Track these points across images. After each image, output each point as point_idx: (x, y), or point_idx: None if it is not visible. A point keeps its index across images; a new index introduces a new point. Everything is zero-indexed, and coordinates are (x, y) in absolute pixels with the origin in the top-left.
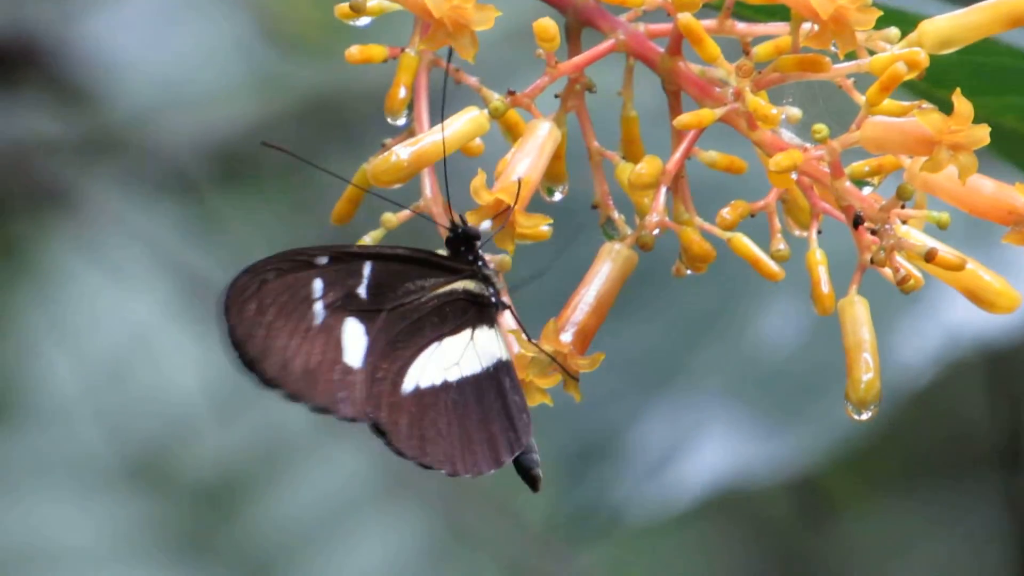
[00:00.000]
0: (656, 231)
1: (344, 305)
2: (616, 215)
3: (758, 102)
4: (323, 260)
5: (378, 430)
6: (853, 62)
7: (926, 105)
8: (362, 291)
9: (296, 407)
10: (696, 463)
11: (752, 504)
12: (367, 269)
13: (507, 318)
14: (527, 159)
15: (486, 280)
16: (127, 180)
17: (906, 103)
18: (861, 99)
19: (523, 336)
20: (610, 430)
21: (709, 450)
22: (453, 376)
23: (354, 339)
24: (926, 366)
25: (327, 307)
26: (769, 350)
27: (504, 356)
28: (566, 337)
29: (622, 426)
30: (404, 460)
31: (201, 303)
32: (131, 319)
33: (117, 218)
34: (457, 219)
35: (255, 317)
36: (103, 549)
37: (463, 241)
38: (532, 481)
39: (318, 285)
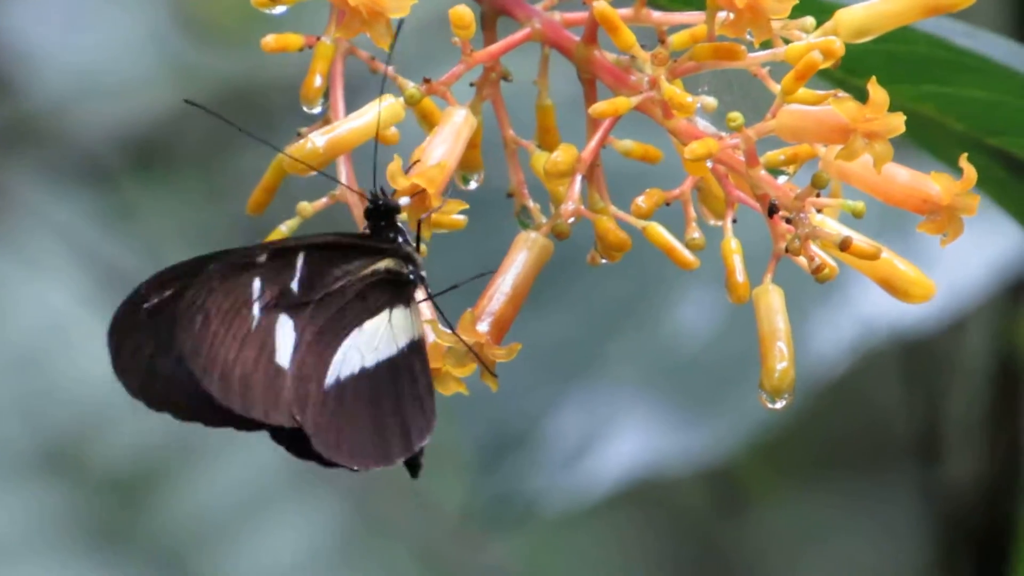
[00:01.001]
0: (571, 220)
1: (278, 303)
2: (531, 204)
3: (673, 90)
4: (262, 258)
5: (277, 438)
6: (769, 51)
7: (841, 94)
8: (295, 285)
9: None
10: (612, 453)
11: (667, 494)
12: (300, 261)
13: (424, 306)
14: (443, 146)
15: (406, 258)
16: (43, 170)
17: (822, 92)
18: (776, 88)
19: (440, 326)
20: (526, 419)
21: (625, 440)
22: (370, 361)
23: (284, 338)
24: (841, 356)
25: (263, 308)
26: (684, 340)
27: (417, 336)
28: (482, 327)
29: (538, 415)
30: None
31: (116, 293)
32: (46, 309)
33: (32, 208)
34: (377, 191)
35: (200, 331)
36: (15, 539)
37: (383, 215)
38: (414, 468)
39: (257, 285)
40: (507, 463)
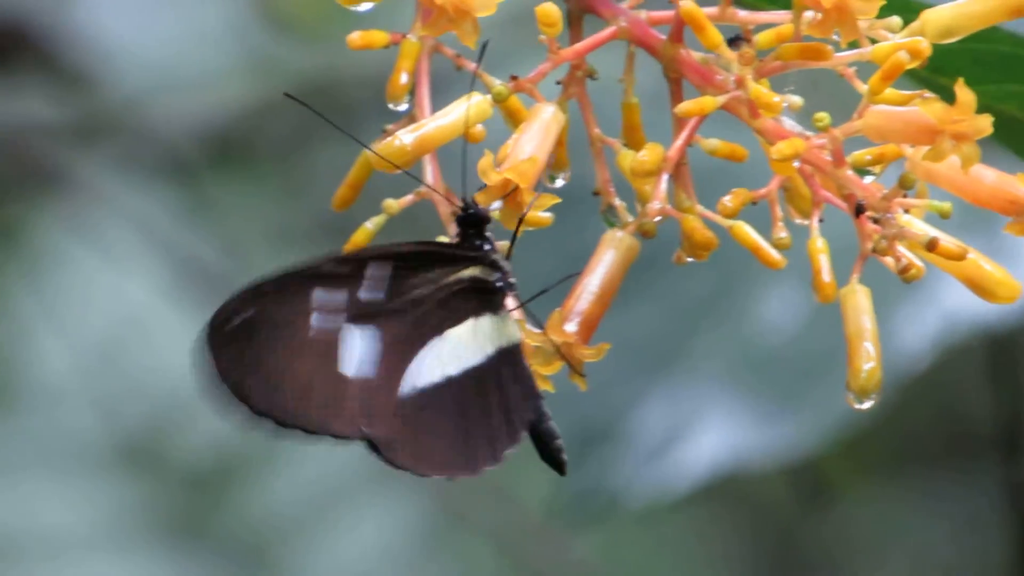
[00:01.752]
0: (657, 218)
1: (351, 313)
2: (617, 202)
3: (760, 90)
4: (328, 268)
5: (371, 445)
6: (855, 51)
7: (928, 94)
8: (363, 294)
9: None
10: (695, 448)
11: (750, 489)
12: (375, 271)
13: (510, 305)
14: (532, 141)
15: (493, 265)
16: (122, 163)
17: (908, 92)
18: (863, 88)
19: (529, 326)
20: (610, 415)
21: (708, 435)
22: (453, 370)
23: (352, 348)
24: (925, 352)
25: (325, 317)
26: (768, 335)
27: (506, 344)
28: (570, 327)
29: (622, 411)
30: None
31: (195, 286)
32: (125, 301)
33: (111, 201)
34: (468, 200)
35: (259, 340)
36: (96, 533)
37: (472, 223)
38: (559, 466)
39: (318, 295)
40: (591, 458)
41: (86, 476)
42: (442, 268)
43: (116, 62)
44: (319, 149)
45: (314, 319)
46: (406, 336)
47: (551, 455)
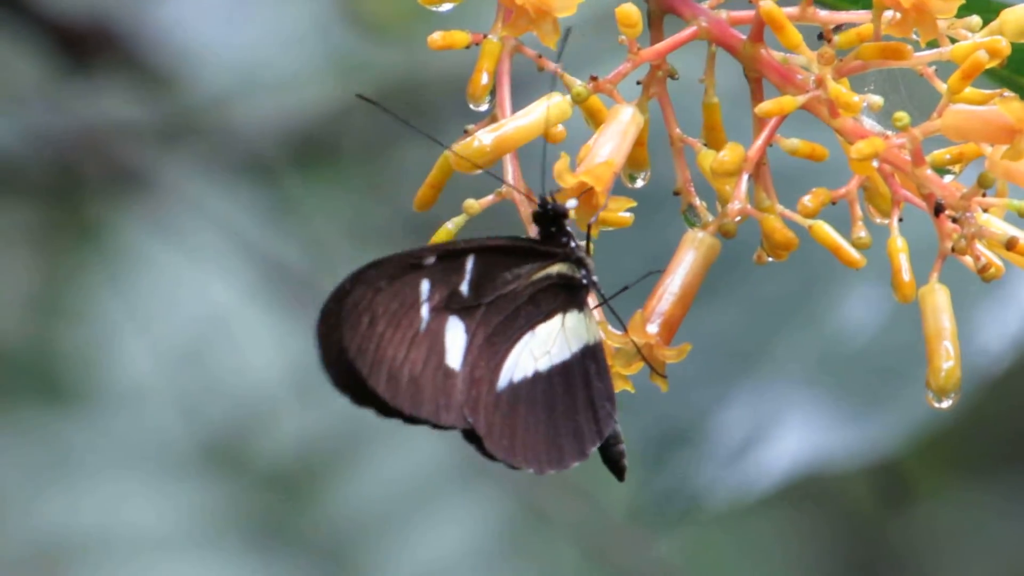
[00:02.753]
0: (738, 218)
1: (447, 305)
2: (698, 202)
3: (840, 90)
4: (431, 260)
5: (470, 435)
6: (935, 50)
7: (1007, 93)
8: (464, 287)
9: None
10: (776, 449)
11: (830, 489)
12: (470, 264)
13: (592, 305)
14: (610, 143)
15: (578, 262)
16: (204, 164)
17: (987, 91)
18: (942, 87)
19: (609, 327)
20: (691, 416)
21: (790, 435)
22: (544, 365)
23: (455, 339)
24: (1006, 350)
25: (432, 309)
26: (850, 336)
27: (591, 340)
28: (652, 328)
29: (703, 412)
30: None
31: (277, 286)
32: (207, 302)
33: (194, 202)
34: (544, 197)
35: (367, 330)
36: (178, 533)
37: (552, 219)
38: (619, 472)
39: (425, 287)
40: (672, 460)
41: (169, 476)
42: (531, 264)
43: (200, 63)
44: (402, 149)
45: (424, 311)
46: (502, 330)
47: (612, 459)
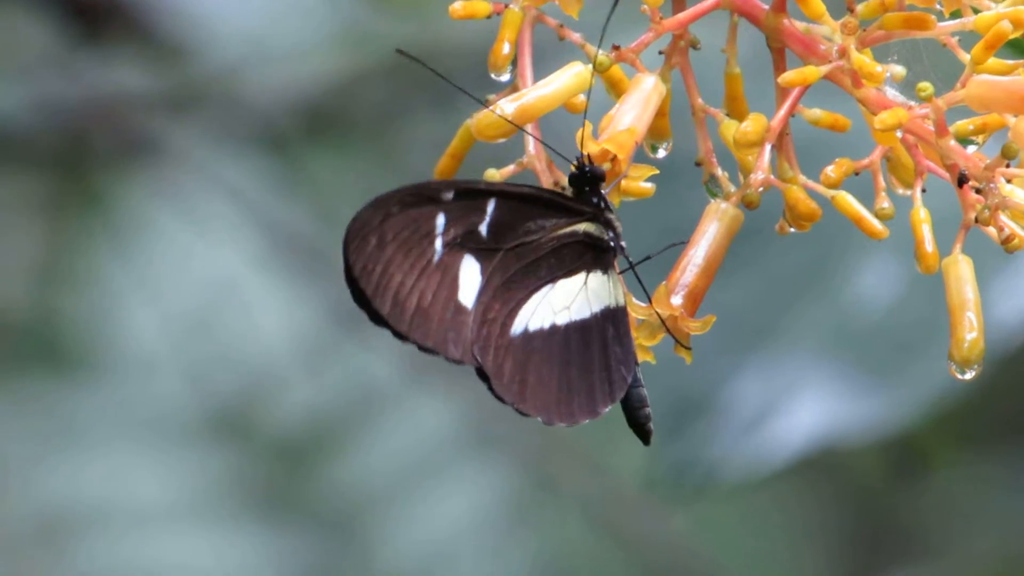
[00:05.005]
0: (760, 189)
1: (463, 242)
2: (720, 172)
3: (863, 60)
4: (448, 195)
5: (481, 374)
6: (958, 20)
7: None
8: (483, 228)
9: (383, 359)
10: (791, 421)
11: (841, 462)
12: (491, 206)
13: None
14: (632, 112)
15: (607, 224)
16: (214, 133)
17: (1011, 62)
18: (966, 57)
19: (633, 298)
20: (707, 387)
21: (804, 408)
22: (562, 320)
23: (469, 278)
24: (1021, 325)
25: (446, 244)
26: (866, 308)
27: (613, 304)
28: (676, 300)
29: (719, 383)
30: (491, 413)
31: (286, 256)
32: (216, 271)
33: (204, 171)
34: (584, 159)
35: (374, 252)
36: (184, 503)
37: (588, 181)
38: (645, 435)
39: (440, 221)
40: (687, 430)
41: (174, 446)
42: (558, 218)
43: (210, 32)
44: (412, 120)
45: (437, 244)
46: (521, 277)
47: (638, 422)
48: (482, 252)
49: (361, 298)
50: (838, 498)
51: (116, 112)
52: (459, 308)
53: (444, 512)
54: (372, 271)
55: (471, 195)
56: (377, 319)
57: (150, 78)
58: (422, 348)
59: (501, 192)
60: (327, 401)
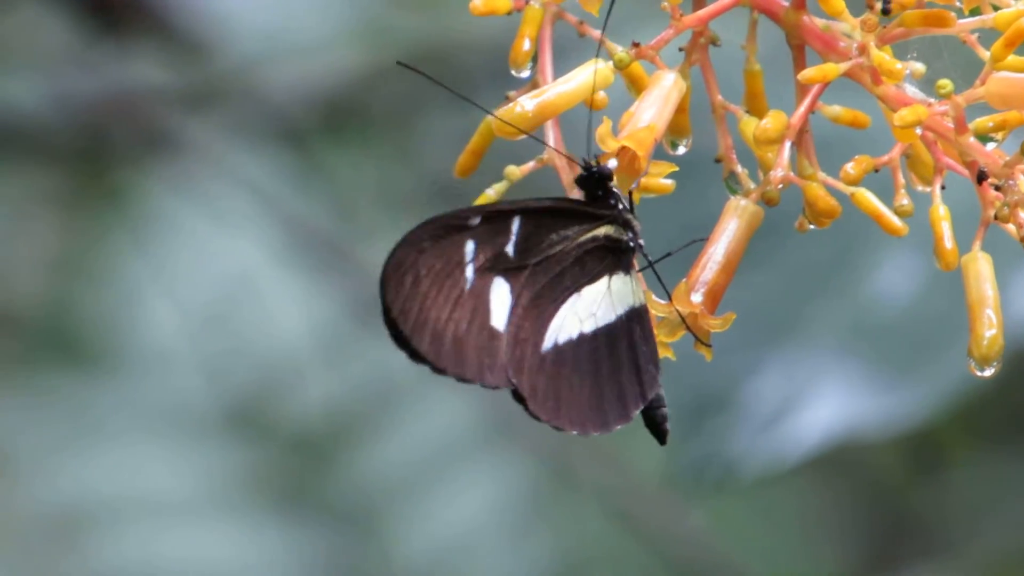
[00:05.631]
0: (780, 186)
1: (492, 266)
2: (739, 169)
3: (883, 57)
4: (475, 221)
5: (517, 396)
6: (978, 17)
7: None
8: (510, 249)
9: (400, 353)
10: (810, 417)
11: (858, 458)
12: (515, 224)
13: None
14: (652, 109)
15: (625, 224)
16: (233, 128)
17: None
18: (986, 55)
19: (653, 296)
20: (726, 383)
21: (823, 404)
22: (589, 327)
23: (500, 300)
24: None
25: (477, 270)
26: (885, 304)
27: (636, 303)
28: (696, 297)
29: (737, 380)
30: (508, 406)
31: (304, 250)
32: (234, 265)
33: (222, 165)
34: (588, 160)
35: (411, 290)
36: (201, 498)
37: (596, 182)
38: (661, 435)
39: (470, 247)
40: (706, 427)
41: (191, 440)
42: (578, 226)
43: (228, 27)
44: (429, 115)
45: (469, 271)
46: (548, 292)
47: (655, 422)
48: (510, 272)
49: (399, 337)
50: (855, 493)
51: (135, 107)
52: (492, 333)
53: (462, 505)
54: (410, 310)
55: (497, 217)
56: (415, 356)
57: (169, 73)
58: (460, 380)
59: (524, 209)
60: (344, 395)
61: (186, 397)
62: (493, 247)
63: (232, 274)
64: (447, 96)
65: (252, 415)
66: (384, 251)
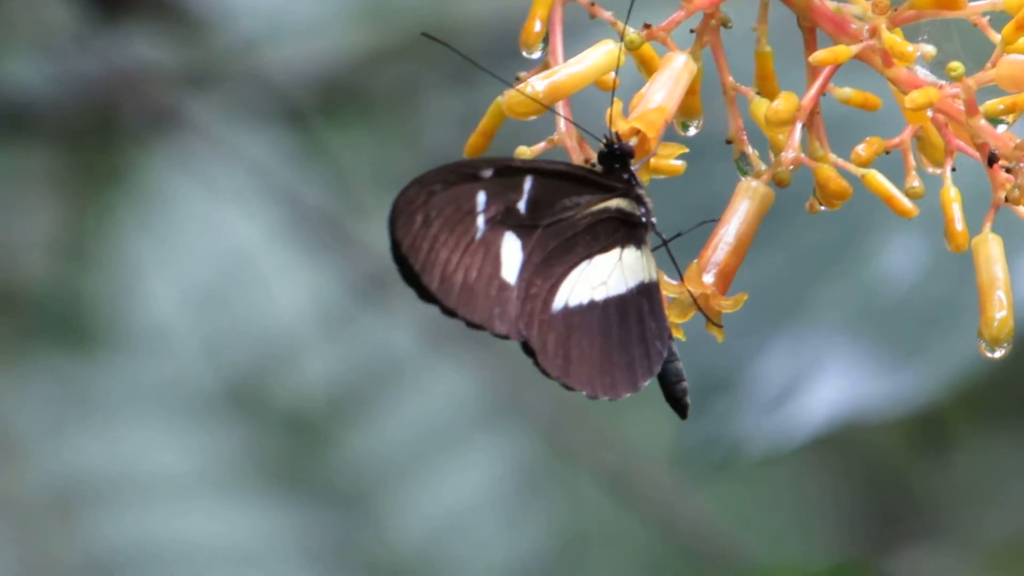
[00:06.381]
0: (791, 168)
1: (504, 220)
2: (750, 150)
3: (894, 39)
4: (488, 173)
5: (526, 348)
6: (988, 0)
7: None
8: (522, 206)
9: (399, 331)
10: (815, 398)
11: (866, 439)
12: (528, 184)
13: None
14: (663, 90)
15: (638, 199)
16: (234, 108)
17: None
18: (996, 37)
19: (665, 276)
20: (731, 364)
21: (828, 384)
22: (600, 295)
23: (511, 255)
24: None
25: (488, 221)
26: (890, 285)
27: (647, 279)
28: (708, 278)
29: (743, 360)
30: (507, 384)
31: (305, 229)
32: (235, 243)
33: (224, 144)
34: (613, 137)
35: (421, 229)
36: (199, 477)
37: (617, 158)
38: (682, 409)
39: (481, 198)
40: (711, 407)
41: (190, 419)
42: (590, 195)
43: (230, 7)
44: (430, 95)
45: (480, 221)
46: (559, 254)
47: (675, 396)
48: (522, 229)
49: (409, 274)
50: (857, 475)
51: (137, 87)
52: (503, 284)
53: (460, 483)
54: (420, 248)
55: (509, 173)
56: (425, 295)
57: (171, 53)
58: (470, 324)
59: (537, 169)
60: (343, 373)
61: (185, 376)
62: (505, 201)
63: (232, 253)
64: (447, 77)
65: (252, 394)
66: (384, 230)
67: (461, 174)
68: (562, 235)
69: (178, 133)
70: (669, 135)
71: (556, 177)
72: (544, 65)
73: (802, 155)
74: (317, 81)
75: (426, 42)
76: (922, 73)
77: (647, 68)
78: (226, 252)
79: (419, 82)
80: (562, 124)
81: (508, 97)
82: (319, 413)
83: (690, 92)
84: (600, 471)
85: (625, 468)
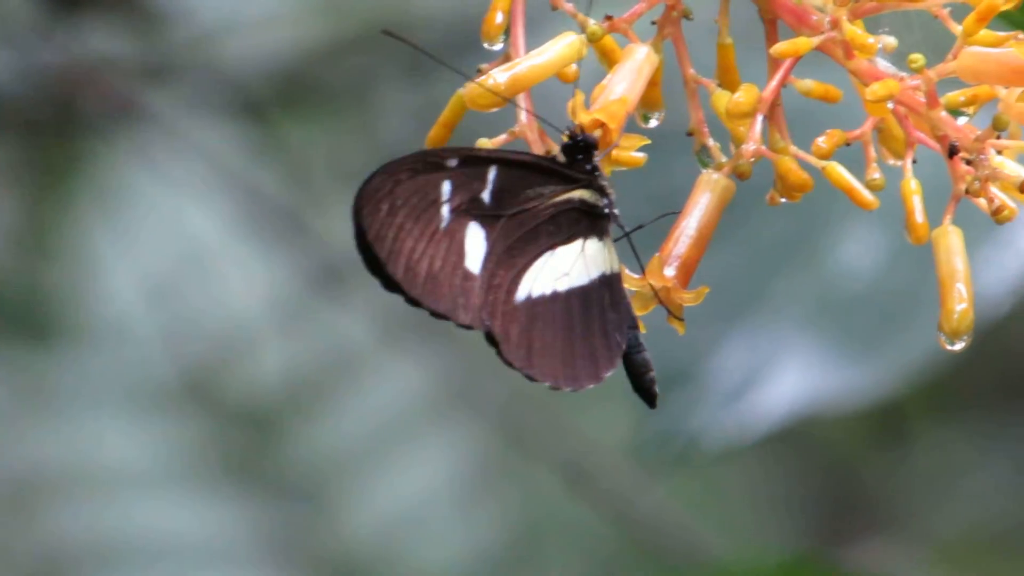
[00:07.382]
0: (752, 160)
1: (468, 210)
2: (711, 142)
3: (855, 31)
4: (453, 162)
5: (490, 339)
6: None
7: (1022, 36)
8: (486, 196)
9: (356, 324)
10: (773, 391)
11: (823, 432)
12: (492, 174)
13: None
14: (624, 82)
15: (601, 191)
16: (192, 100)
17: (1002, 34)
18: (957, 29)
19: (627, 270)
20: (689, 357)
21: (786, 378)
22: (562, 287)
23: (475, 245)
24: (1005, 296)
25: (453, 211)
26: (849, 278)
27: (609, 270)
28: (670, 271)
29: (701, 353)
30: (463, 377)
31: (263, 221)
32: (194, 236)
33: (182, 137)
34: (577, 129)
35: (386, 218)
36: (156, 471)
37: (581, 149)
38: (650, 398)
39: (447, 187)
40: (670, 400)
41: (147, 412)
42: (554, 185)
43: (189, 0)
44: (387, 88)
45: (444, 211)
46: (522, 245)
47: (643, 386)
48: (486, 219)
49: (374, 263)
50: (814, 468)
51: (96, 79)
52: (467, 274)
53: (415, 476)
54: (385, 236)
55: (474, 162)
56: (389, 284)
57: (130, 45)
58: (434, 314)
59: (501, 160)
60: (300, 365)
61: (144, 368)
62: (469, 191)
63: (190, 245)
64: (403, 70)
65: (209, 387)
66: (341, 222)
67: (427, 163)
68: (525, 225)
69: (137, 126)
70: (630, 127)
71: (520, 167)
72: (505, 57)
73: (763, 147)
74: (275, 74)
75: (381, 36)
76: (883, 65)
77: (609, 60)
78: (184, 244)
79: (376, 75)
80: (523, 116)
81: (470, 89)
82: (275, 406)
83: (651, 84)
84: (556, 463)
85: (581, 461)
